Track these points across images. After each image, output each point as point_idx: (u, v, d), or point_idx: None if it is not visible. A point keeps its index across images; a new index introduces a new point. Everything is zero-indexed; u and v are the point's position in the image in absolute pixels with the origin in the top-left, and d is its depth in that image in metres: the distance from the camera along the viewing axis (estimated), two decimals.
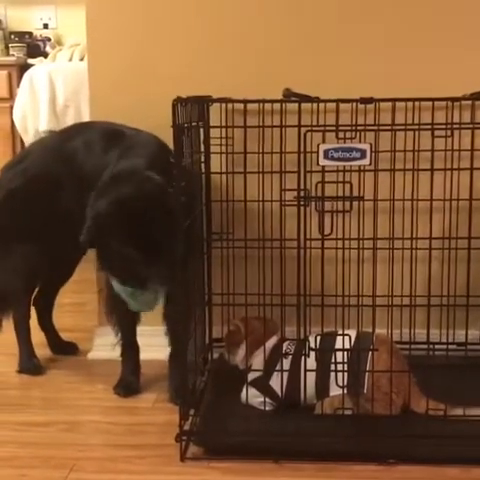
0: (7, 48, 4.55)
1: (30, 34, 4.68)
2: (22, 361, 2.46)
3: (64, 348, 2.61)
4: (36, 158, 2.35)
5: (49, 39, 4.67)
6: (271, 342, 2.06)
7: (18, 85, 4.11)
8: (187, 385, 1.96)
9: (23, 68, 4.23)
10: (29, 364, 2.45)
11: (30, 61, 4.40)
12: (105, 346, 2.39)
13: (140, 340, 2.30)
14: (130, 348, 2.29)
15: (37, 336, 2.57)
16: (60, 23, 4.75)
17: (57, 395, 2.28)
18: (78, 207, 2.22)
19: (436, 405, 1.92)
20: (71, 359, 2.55)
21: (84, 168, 2.20)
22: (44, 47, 4.63)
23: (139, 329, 2.29)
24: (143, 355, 2.31)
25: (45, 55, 4.53)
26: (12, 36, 4.62)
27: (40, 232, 2.34)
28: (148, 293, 2.08)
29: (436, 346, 2.34)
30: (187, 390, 1.95)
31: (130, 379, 2.27)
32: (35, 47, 4.59)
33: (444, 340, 2.36)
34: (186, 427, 1.90)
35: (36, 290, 2.52)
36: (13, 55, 4.46)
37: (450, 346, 2.35)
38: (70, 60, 4.35)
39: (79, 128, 2.39)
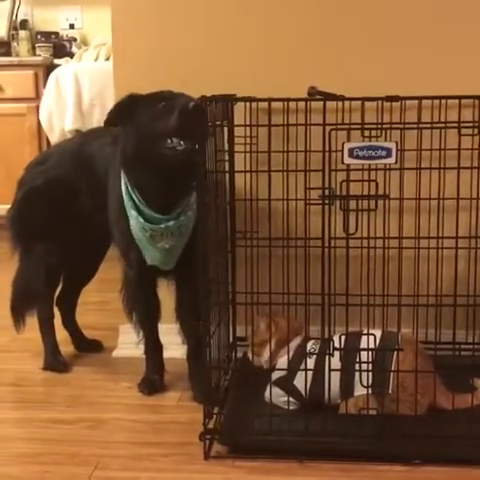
0: (33, 48, 4.59)
1: (56, 34, 4.70)
2: (47, 358, 2.48)
3: (88, 346, 2.63)
4: (56, 161, 2.40)
5: (75, 39, 4.71)
6: (295, 342, 2.05)
7: (44, 85, 4.15)
8: (210, 384, 1.96)
9: (49, 68, 4.27)
10: (54, 361, 2.47)
11: (56, 61, 4.44)
12: (129, 344, 2.40)
13: (163, 338, 2.30)
14: (153, 346, 2.29)
15: (62, 333, 2.60)
16: (86, 23, 4.78)
17: (82, 392, 2.29)
18: (94, 209, 2.26)
19: (463, 398, 1.93)
20: (96, 357, 2.57)
21: (98, 172, 2.24)
22: (70, 47, 4.66)
23: (163, 327, 2.29)
24: (167, 353, 2.31)
25: (71, 55, 4.56)
26: (38, 36, 4.65)
27: (59, 231, 2.37)
28: (167, 233, 2.08)
29: (462, 346, 2.32)
30: (210, 389, 1.95)
31: (154, 377, 2.28)
32: (61, 47, 4.62)
33: (470, 340, 2.33)
34: (210, 426, 1.90)
35: (59, 290, 2.55)
36: (39, 55, 4.49)
37: (476, 346, 2.33)
38: (96, 60, 4.37)
39: (97, 132, 2.42)
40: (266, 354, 2.08)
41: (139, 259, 2.18)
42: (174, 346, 2.32)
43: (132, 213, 2.11)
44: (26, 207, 2.41)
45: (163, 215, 2.09)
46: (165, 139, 1.99)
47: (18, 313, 2.52)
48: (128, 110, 2.07)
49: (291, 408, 2.00)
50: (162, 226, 2.08)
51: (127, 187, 2.10)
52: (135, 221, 2.11)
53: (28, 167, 2.46)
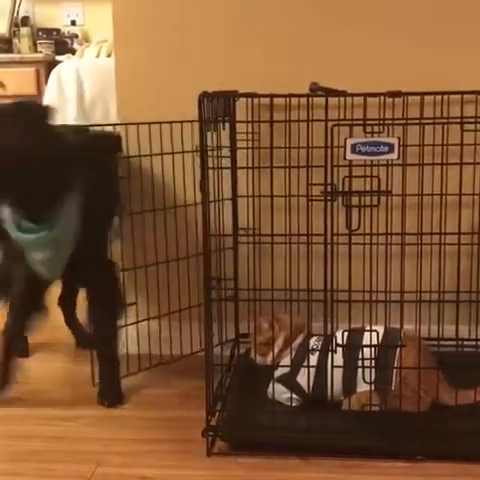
0: (35, 45, 4.58)
1: (58, 31, 4.70)
2: None
3: (91, 343, 2.62)
4: None
5: (76, 36, 4.70)
6: (298, 340, 2.05)
7: (46, 82, 4.13)
8: (210, 382, 1.95)
9: (51, 65, 4.25)
10: None
11: (58, 58, 4.43)
12: (130, 341, 2.39)
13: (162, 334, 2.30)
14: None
15: (64, 331, 2.61)
16: (87, 20, 4.77)
17: (83, 389, 2.29)
18: None
19: (466, 394, 1.93)
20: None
21: None
22: (71, 44, 4.65)
23: (163, 324, 2.28)
24: (166, 350, 2.31)
25: (73, 52, 4.55)
26: (40, 33, 4.64)
27: None
28: (39, 246, 2.00)
29: (465, 342, 2.32)
30: (211, 387, 1.95)
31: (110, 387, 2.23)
32: (63, 44, 4.61)
33: (473, 336, 2.33)
34: (212, 422, 1.90)
35: (59, 291, 2.55)
36: (41, 52, 4.49)
37: (479, 342, 2.33)
38: (97, 56, 4.36)
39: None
40: (270, 355, 2.07)
41: None
42: (173, 341, 2.32)
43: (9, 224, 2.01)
44: None
45: (36, 224, 1.97)
46: None
47: None
48: None
49: (294, 405, 2.00)
50: (33, 237, 1.97)
51: None
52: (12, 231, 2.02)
53: None
